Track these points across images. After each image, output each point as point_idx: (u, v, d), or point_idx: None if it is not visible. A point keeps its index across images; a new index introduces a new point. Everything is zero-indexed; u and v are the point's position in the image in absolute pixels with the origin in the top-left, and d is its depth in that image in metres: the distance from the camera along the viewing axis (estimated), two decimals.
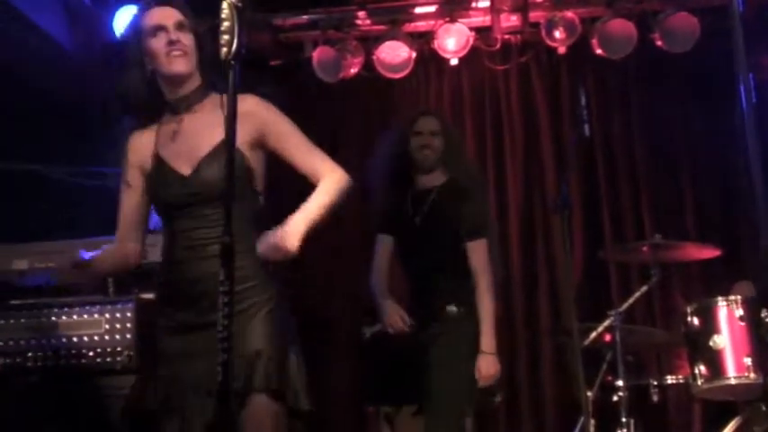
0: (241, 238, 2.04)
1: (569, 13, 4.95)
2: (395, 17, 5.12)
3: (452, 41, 5.08)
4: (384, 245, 3.76)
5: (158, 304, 2.49)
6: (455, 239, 3.58)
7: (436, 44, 5.09)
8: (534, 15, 5.02)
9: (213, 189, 2.29)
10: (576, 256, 5.09)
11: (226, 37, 1.66)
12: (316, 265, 4.99)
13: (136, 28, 2.44)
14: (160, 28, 2.37)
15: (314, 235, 2.35)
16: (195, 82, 2.44)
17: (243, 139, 2.29)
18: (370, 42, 5.15)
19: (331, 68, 5.08)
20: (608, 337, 3.93)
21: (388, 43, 5.05)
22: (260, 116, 2.45)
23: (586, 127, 3.70)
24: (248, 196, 2.40)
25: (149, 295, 2.98)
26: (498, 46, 5.20)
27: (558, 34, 4.99)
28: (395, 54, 5.08)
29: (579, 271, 5.09)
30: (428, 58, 5.27)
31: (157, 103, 2.45)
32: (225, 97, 2.06)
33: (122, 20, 4.57)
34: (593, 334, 3.87)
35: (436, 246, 3.61)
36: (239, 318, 2.11)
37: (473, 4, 5.06)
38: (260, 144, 2.45)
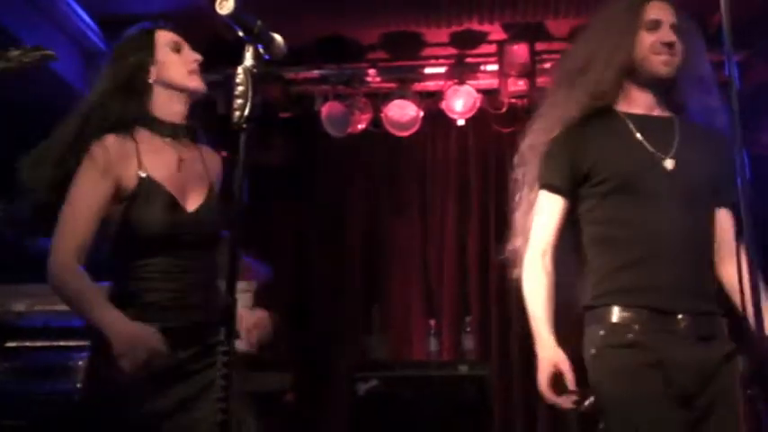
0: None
1: None
2: (404, 76, 5.20)
3: (460, 102, 5.16)
4: None
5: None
6: None
7: (444, 104, 5.17)
8: (541, 80, 5.08)
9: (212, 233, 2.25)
10: (574, 318, 5.09)
11: (239, 101, 1.69)
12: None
13: (148, 40, 2.31)
14: (178, 44, 2.33)
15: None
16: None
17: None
18: (379, 99, 5.22)
19: (339, 123, 5.15)
20: None
21: (396, 101, 5.13)
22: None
23: None
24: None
25: None
26: (505, 109, 5.27)
27: None
28: (403, 112, 5.16)
29: (579, 333, 5.07)
30: (436, 117, 5.35)
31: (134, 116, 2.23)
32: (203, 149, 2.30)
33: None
34: (589, 399, 3.84)
35: None
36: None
37: (482, 67, 5.15)
38: None
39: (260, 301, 3.27)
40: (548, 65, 5.09)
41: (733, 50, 5.08)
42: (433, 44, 5.14)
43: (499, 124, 5.38)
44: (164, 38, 2.34)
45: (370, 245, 5.38)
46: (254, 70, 1.73)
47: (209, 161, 2.36)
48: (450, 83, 5.15)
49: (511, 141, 5.44)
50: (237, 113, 1.69)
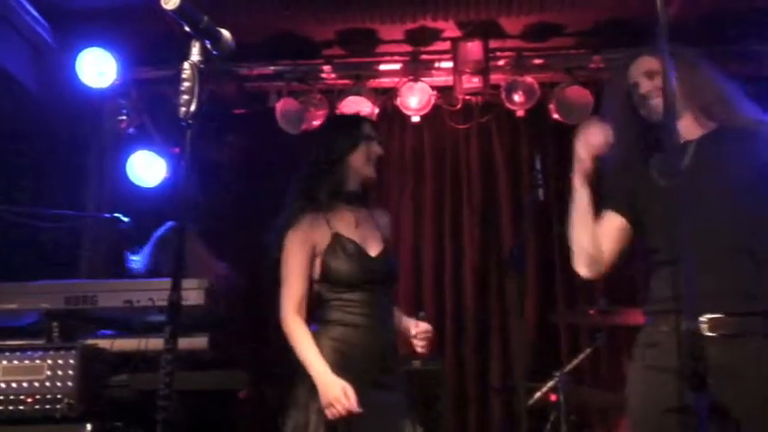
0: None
1: (529, 78, 5.09)
2: (359, 73, 5.20)
3: (415, 99, 5.18)
4: None
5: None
6: None
7: (399, 101, 5.19)
8: (495, 78, 5.13)
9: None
10: (528, 315, 5.16)
11: (185, 97, 1.69)
12: None
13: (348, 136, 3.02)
14: (371, 138, 3.02)
15: None
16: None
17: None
18: (334, 96, 5.22)
19: (294, 120, 5.13)
20: (553, 397, 3.98)
21: (351, 98, 5.12)
22: (389, 231, 3.15)
23: (541, 191, 3.79)
24: None
25: (95, 341, 2.96)
26: (460, 106, 5.31)
27: (517, 98, 5.12)
28: (358, 109, 5.14)
29: (531, 331, 5.14)
30: (391, 114, 5.35)
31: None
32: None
33: (86, 62, 4.61)
34: (538, 393, 3.92)
35: None
36: None
37: (436, 65, 5.18)
38: None
39: (215, 298, 3.24)
40: (501, 62, 5.15)
41: (682, 47, 5.12)
42: (387, 41, 5.16)
43: (454, 121, 5.42)
44: (364, 131, 3.11)
45: None
46: (201, 66, 1.73)
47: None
48: (404, 80, 5.16)
49: (466, 138, 5.54)
50: (183, 109, 1.69)
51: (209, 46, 1.78)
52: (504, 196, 5.42)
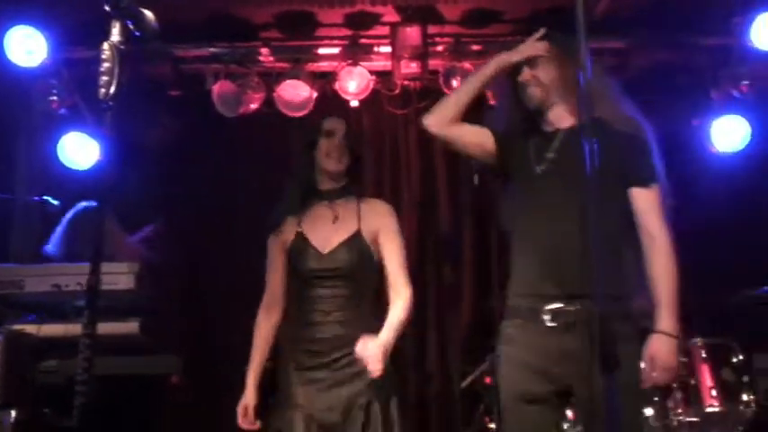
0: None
1: (467, 64, 5.11)
2: (298, 56, 5.17)
3: (354, 84, 5.16)
4: None
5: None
6: None
7: (338, 85, 5.17)
8: (434, 63, 5.15)
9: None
10: (465, 300, 5.21)
11: (105, 78, 1.66)
12: None
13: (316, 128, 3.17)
14: (329, 134, 3.12)
15: None
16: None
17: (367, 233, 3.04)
18: (271, 79, 5.17)
19: (231, 103, 5.08)
20: (488, 380, 4.04)
21: (289, 81, 5.08)
22: (384, 221, 3.09)
23: (476, 177, 3.83)
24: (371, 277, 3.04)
25: (22, 327, 2.90)
26: (398, 91, 5.31)
27: (455, 83, 5.14)
28: (296, 92, 5.12)
29: (468, 316, 5.19)
30: (329, 98, 5.32)
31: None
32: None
33: (14, 40, 4.48)
34: (470, 377, 3.97)
35: None
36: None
37: (375, 49, 5.17)
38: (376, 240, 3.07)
39: (144, 283, 3.20)
40: (440, 48, 5.16)
41: (614, 38, 5.24)
42: (326, 24, 5.13)
43: (393, 106, 5.42)
44: (325, 126, 3.22)
45: (262, 225, 5.32)
46: (122, 46, 1.69)
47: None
48: (343, 64, 5.14)
49: (404, 123, 5.55)
50: (103, 90, 1.66)
51: (131, 26, 1.74)
52: (441, 182, 5.45)
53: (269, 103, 5.19)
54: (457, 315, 5.24)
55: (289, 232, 3.11)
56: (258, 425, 2.99)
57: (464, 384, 3.85)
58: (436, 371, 5.14)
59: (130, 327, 3.22)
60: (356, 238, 3.03)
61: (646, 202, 2.47)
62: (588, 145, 1.80)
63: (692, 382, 3.80)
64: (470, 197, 5.10)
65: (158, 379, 3.50)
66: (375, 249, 3.07)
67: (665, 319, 2.33)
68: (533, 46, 2.63)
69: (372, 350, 2.74)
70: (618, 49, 5.16)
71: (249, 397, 3.00)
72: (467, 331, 5.08)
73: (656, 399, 3.73)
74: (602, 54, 5.07)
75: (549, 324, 2.32)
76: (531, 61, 2.59)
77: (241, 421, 2.99)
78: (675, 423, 3.72)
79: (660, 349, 2.30)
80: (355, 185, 3.21)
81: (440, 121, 2.77)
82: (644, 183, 2.48)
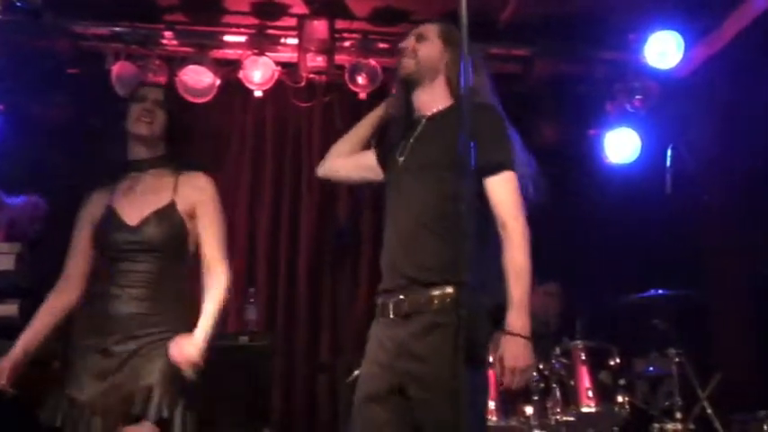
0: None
1: (373, 61, 5.14)
2: (203, 42, 5.10)
3: (258, 74, 5.12)
4: None
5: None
6: None
7: (242, 74, 5.12)
8: (340, 58, 5.16)
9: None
10: (362, 293, 5.24)
11: None
12: None
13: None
14: (142, 99, 2.84)
15: None
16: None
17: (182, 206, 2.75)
18: (174, 63, 5.08)
19: (131, 84, 4.93)
20: None
21: (192, 67, 5.01)
22: (203, 195, 2.80)
23: None
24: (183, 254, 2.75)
25: None
26: (303, 83, 5.30)
27: (360, 80, 5.17)
28: (198, 78, 5.05)
29: (362, 311, 5.22)
30: (234, 87, 5.26)
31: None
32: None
33: None
34: (357, 371, 3.98)
35: None
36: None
37: (282, 40, 5.15)
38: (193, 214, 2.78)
39: (24, 263, 3.10)
40: (347, 43, 5.18)
41: (517, 46, 5.36)
42: (233, 12, 5.08)
43: (297, 98, 5.41)
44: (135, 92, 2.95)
45: None
46: None
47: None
48: (249, 53, 5.10)
49: (309, 116, 5.54)
50: None
51: None
52: None
53: (170, 87, 5.07)
54: (353, 310, 5.27)
55: (98, 207, 2.83)
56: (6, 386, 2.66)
57: (350, 379, 3.86)
58: (328, 365, 5.15)
59: (9, 309, 3.11)
60: (168, 210, 2.76)
61: (496, 190, 2.28)
62: (463, 141, 1.81)
63: (572, 383, 3.92)
64: (369, 192, 5.13)
65: (38, 365, 3.39)
66: (191, 226, 2.78)
67: (514, 318, 2.14)
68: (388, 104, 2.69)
69: (189, 352, 2.53)
70: (521, 57, 5.28)
71: (8, 358, 2.68)
72: (361, 325, 5.11)
73: (535, 398, 3.84)
74: (506, 61, 5.20)
75: (392, 317, 2.24)
76: (419, 35, 2.58)
77: None
78: (553, 422, 3.84)
79: (508, 350, 2.13)
80: (180, 158, 2.89)
81: (326, 170, 2.87)
82: (494, 170, 2.28)
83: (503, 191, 2.27)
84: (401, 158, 2.45)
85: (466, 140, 1.83)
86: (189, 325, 2.61)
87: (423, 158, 2.35)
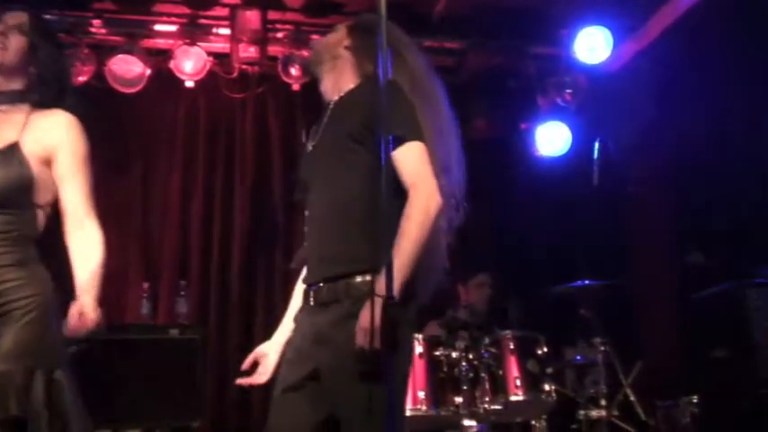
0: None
1: (305, 53, 5.11)
2: (132, 30, 5.01)
3: (190, 64, 5.06)
4: None
5: None
6: None
7: (173, 64, 5.05)
8: (273, 50, 5.13)
9: None
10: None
11: None
12: None
13: None
14: None
15: None
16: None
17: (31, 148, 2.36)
18: (103, 52, 4.99)
19: None
20: None
21: (121, 56, 4.93)
22: (63, 137, 2.43)
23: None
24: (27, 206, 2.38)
25: None
26: (236, 74, 5.26)
27: (293, 71, 5.15)
28: (128, 68, 4.97)
29: None
30: (165, 77, 5.19)
31: None
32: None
33: None
34: None
35: None
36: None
37: (214, 30, 5.10)
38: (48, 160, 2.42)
39: None
40: (280, 34, 5.15)
41: (450, 39, 5.39)
42: (164, 1, 5.00)
43: (230, 89, 5.36)
44: None
45: None
46: None
47: None
48: (180, 42, 5.04)
49: (242, 108, 5.50)
50: None
51: None
52: (277, 166, 5.45)
53: (99, 76, 4.99)
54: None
55: None
56: None
57: None
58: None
59: None
60: (10, 152, 2.36)
61: (401, 159, 2.15)
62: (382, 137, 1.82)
63: (500, 372, 3.98)
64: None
65: None
66: (44, 173, 2.39)
67: (381, 279, 1.92)
68: None
69: (89, 320, 2.29)
70: (453, 50, 5.33)
71: None
72: None
73: (465, 388, 3.89)
74: (439, 54, 5.23)
75: (312, 304, 2.21)
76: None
77: None
78: (482, 411, 3.90)
79: (365, 310, 1.99)
80: (45, 98, 2.50)
81: None
82: (395, 144, 2.11)
83: (408, 159, 2.15)
84: (310, 145, 2.40)
85: (382, 129, 1.83)
86: (41, 293, 2.28)
87: (329, 141, 2.34)
